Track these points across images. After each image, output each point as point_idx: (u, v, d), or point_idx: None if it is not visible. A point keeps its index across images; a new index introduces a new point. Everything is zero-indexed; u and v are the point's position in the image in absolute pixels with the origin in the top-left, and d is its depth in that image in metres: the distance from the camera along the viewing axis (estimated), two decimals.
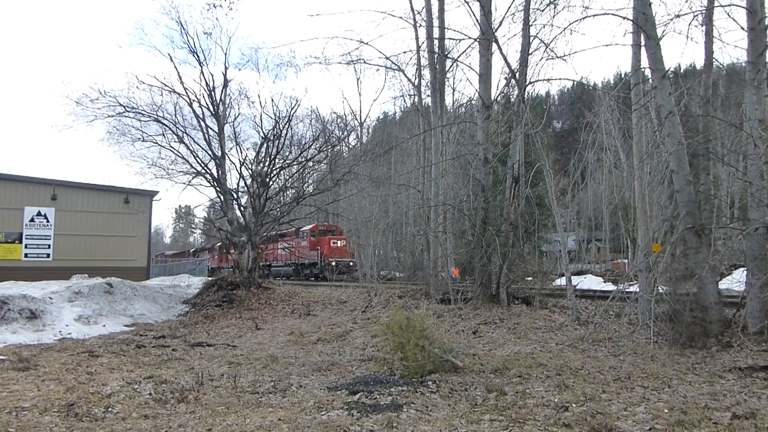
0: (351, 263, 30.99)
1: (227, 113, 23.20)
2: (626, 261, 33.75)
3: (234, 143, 23.81)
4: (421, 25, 18.09)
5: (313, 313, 16.84)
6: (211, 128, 22.63)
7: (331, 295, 19.33)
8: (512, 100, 16.96)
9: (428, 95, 19.06)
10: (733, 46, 17.78)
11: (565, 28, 11.18)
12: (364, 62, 20.47)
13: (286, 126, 23.17)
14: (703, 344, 8.44)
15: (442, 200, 17.58)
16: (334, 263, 29.77)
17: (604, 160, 39.26)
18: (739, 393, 6.03)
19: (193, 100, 22.28)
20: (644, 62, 10.57)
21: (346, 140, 42.05)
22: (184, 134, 22.52)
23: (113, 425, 5.64)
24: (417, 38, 18.86)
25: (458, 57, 17.60)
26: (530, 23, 13.76)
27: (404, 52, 34.13)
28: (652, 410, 5.48)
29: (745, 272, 9.27)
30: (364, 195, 35.27)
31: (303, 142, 25.73)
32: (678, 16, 10.34)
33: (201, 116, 22.43)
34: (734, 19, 10.26)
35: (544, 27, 13.70)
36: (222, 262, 41.61)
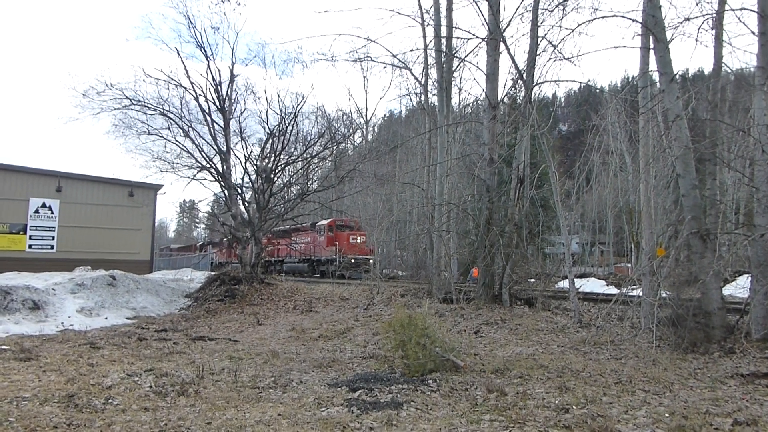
0: (371, 261, 28.70)
1: (233, 108, 23.20)
2: (630, 265, 33.70)
3: (239, 138, 23.82)
4: (429, 24, 18.06)
5: (314, 310, 16.85)
6: (216, 123, 22.65)
7: (333, 291, 19.33)
8: (519, 100, 16.96)
9: (435, 94, 19.02)
10: (742, 51, 17.75)
11: (573, 30, 11.16)
12: (371, 60, 20.30)
13: (292, 122, 23.19)
14: (705, 350, 8.40)
15: (447, 199, 17.58)
16: (353, 260, 28.06)
17: (609, 163, 39.23)
18: (740, 399, 6.00)
19: (200, 95, 22.29)
20: (652, 65, 10.52)
21: (351, 138, 42.12)
22: (190, 128, 22.52)
23: (113, 417, 5.65)
24: (425, 37, 18.83)
25: (466, 56, 17.59)
26: (539, 24, 13.73)
27: (411, 51, 34.03)
28: (652, 414, 5.46)
29: (750, 279, 9.22)
30: (368, 193, 35.27)
31: (308, 139, 25.71)
32: (688, 19, 10.29)
33: (207, 111, 22.44)
34: (745, 24, 10.22)
35: (552, 28, 13.72)
36: (230, 257, 41.00)
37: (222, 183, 22.87)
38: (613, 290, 17.68)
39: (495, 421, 5.40)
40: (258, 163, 23.11)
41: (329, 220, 32.61)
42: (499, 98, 15.25)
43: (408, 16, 17.81)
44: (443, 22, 17.06)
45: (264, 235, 23.90)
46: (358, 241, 30.12)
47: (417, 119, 35.59)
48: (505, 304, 13.50)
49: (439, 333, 8.10)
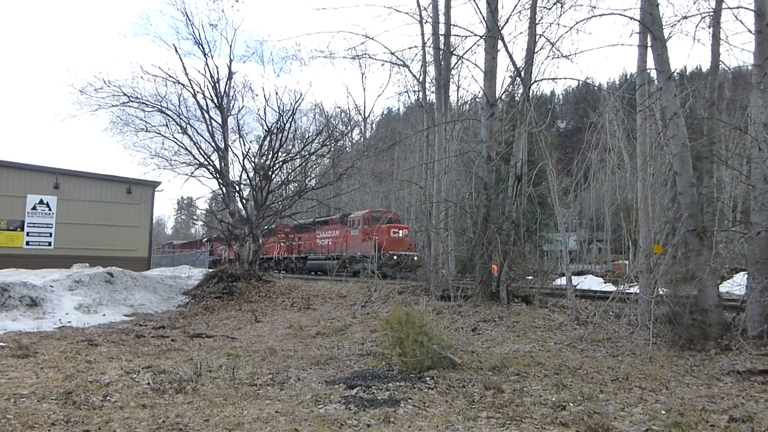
0: (415, 257, 25.01)
1: (231, 105, 23.17)
2: (627, 262, 33.72)
3: (237, 135, 23.78)
4: (427, 22, 18.05)
5: (312, 307, 16.85)
6: (214, 120, 22.62)
7: (331, 289, 19.34)
8: (517, 98, 16.97)
9: (433, 92, 19.03)
10: (740, 49, 17.82)
11: (571, 27, 11.15)
12: (369, 57, 20.43)
13: (290, 119, 23.16)
14: (702, 347, 8.43)
15: (444, 197, 17.60)
16: (395, 257, 24.40)
17: (607, 160, 39.26)
18: (736, 396, 6.03)
19: (197, 92, 22.23)
20: (650, 63, 10.54)
21: (349, 135, 42.09)
22: (188, 125, 22.48)
23: (111, 414, 5.66)
24: (423, 34, 18.80)
25: (464, 54, 17.61)
26: (537, 21, 13.71)
27: (410, 48, 34.23)
28: (649, 411, 5.49)
29: (746, 276, 9.26)
30: (366, 190, 35.31)
31: (306, 136, 25.75)
32: (685, 17, 10.33)
33: (205, 108, 22.40)
34: (742, 22, 10.26)
35: (550, 26, 13.73)
36: None
37: (220, 180, 22.86)
38: (611, 287, 17.71)
39: (492, 418, 5.42)
40: (256, 160, 23.09)
41: (365, 210, 29.59)
42: (497, 96, 15.25)
43: (406, 13, 17.71)
44: (441, 19, 17.06)
45: (262, 233, 23.83)
46: (400, 234, 26.31)
47: (415, 117, 35.64)
48: (503, 302, 13.51)
49: (437, 330, 8.11)
